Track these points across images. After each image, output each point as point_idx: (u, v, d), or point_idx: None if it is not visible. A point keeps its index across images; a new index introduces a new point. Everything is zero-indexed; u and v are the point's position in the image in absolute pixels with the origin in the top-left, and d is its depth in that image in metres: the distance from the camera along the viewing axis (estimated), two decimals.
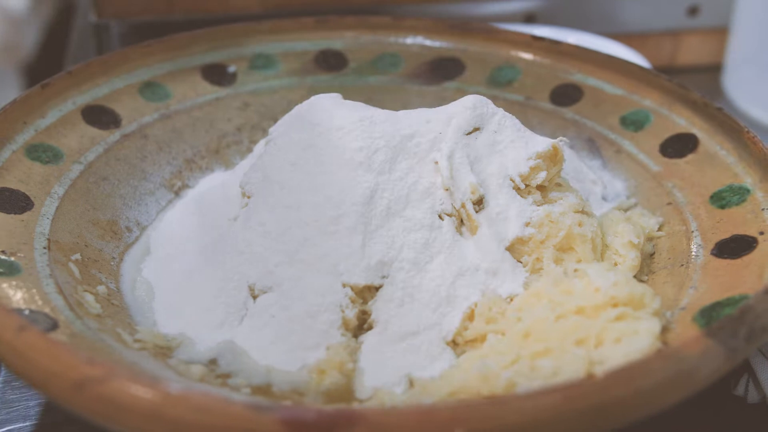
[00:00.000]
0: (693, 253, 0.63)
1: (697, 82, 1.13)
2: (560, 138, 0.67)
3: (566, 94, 0.81)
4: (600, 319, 0.54)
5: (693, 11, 1.13)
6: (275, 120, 0.80)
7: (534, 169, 0.64)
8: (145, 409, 0.44)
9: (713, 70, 1.15)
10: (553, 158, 0.66)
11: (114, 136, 0.74)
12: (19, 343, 0.47)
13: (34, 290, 0.57)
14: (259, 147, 0.74)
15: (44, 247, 0.62)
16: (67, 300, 0.58)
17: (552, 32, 1.02)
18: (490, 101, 0.68)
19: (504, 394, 0.50)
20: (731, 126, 0.70)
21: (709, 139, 0.71)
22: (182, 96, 0.80)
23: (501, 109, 0.68)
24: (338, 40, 0.87)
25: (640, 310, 0.55)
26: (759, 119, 1.04)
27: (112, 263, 0.67)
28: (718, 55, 1.15)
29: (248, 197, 0.68)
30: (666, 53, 1.15)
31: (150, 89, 0.79)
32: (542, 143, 0.65)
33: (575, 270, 0.59)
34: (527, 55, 0.84)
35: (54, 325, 0.54)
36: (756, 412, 0.62)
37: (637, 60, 0.98)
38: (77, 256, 0.64)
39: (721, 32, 1.14)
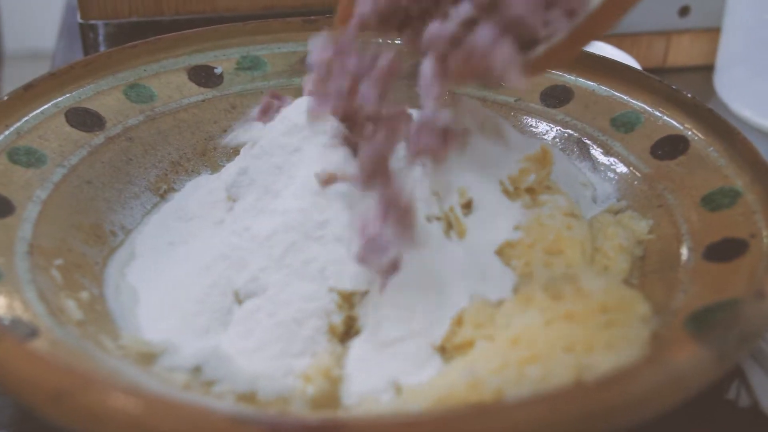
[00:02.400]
0: (683, 257, 0.62)
1: (688, 83, 1.13)
2: (552, 139, 0.66)
3: (556, 96, 0.80)
4: (589, 325, 0.53)
5: (684, 11, 1.13)
6: None
7: (523, 172, 0.64)
8: (125, 420, 0.43)
9: (705, 70, 1.14)
10: (542, 160, 0.65)
11: (98, 138, 0.73)
12: None
13: (15, 296, 0.56)
14: (246, 150, 0.73)
15: (26, 252, 0.61)
16: (48, 306, 0.56)
17: None
18: (478, 103, 0.68)
19: (491, 402, 0.50)
20: (722, 128, 0.70)
21: (700, 141, 0.71)
22: (168, 97, 0.79)
23: (490, 110, 0.67)
24: None
25: (630, 315, 0.54)
26: (750, 120, 1.04)
27: (96, 268, 0.66)
28: (710, 56, 1.14)
29: (234, 201, 0.67)
30: (658, 54, 1.15)
31: (135, 91, 0.78)
32: (531, 145, 0.65)
33: (564, 274, 0.58)
34: None
35: (34, 333, 0.53)
36: (747, 417, 0.61)
37: (626, 61, 0.97)
38: (60, 261, 0.63)
39: (712, 33, 1.13)
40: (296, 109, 0.69)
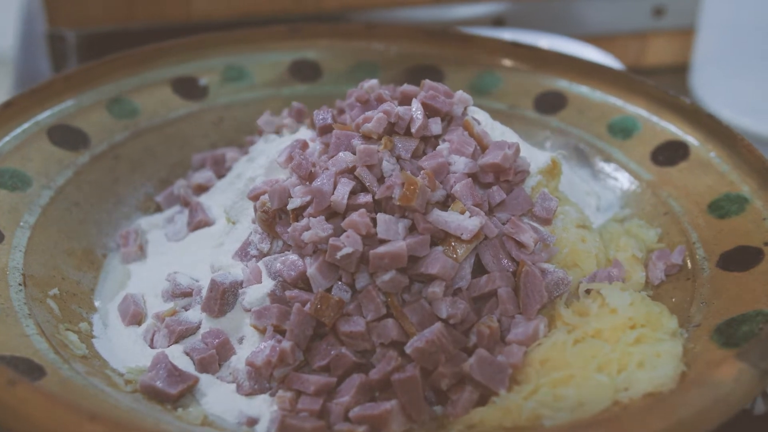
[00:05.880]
0: (698, 266, 0.61)
1: (664, 83, 1.13)
2: (559, 151, 0.65)
3: (550, 102, 0.79)
4: (620, 342, 0.52)
5: (658, 12, 1.13)
6: (251, 134, 0.77)
7: (535, 189, 0.62)
8: None
9: (679, 70, 1.15)
10: (551, 172, 0.64)
11: (83, 157, 0.70)
12: (10, 398, 0.43)
13: (15, 333, 0.53)
14: (240, 165, 0.70)
15: (20, 284, 0.57)
16: (50, 342, 0.53)
17: (524, 36, 1.00)
18: (487, 113, 0.66)
19: (530, 427, 0.48)
20: (723, 133, 0.69)
21: (701, 147, 0.70)
22: (152, 112, 0.76)
23: (497, 122, 0.66)
24: (312, 50, 0.84)
25: (659, 330, 0.53)
26: (728, 119, 1.04)
27: (92, 296, 0.63)
28: (684, 56, 1.15)
29: (233, 223, 0.64)
30: (632, 54, 1.15)
31: (118, 105, 0.74)
32: (541, 158, 0.63)
33: (587, 290, 0.57)
34: (507, 62, 0.82)
35: (41, 373, 0.50)
36: (762, 423, 0.61)
37: (610, 63, 0.97)
38: (55, 291, 0.59)
39: (686, 33, 1.14)
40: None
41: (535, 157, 0.63)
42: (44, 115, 0.70)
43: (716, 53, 1.07)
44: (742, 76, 1.05)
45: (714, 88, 1.08)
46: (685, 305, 0.59)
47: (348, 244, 0.54)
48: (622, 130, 0.75)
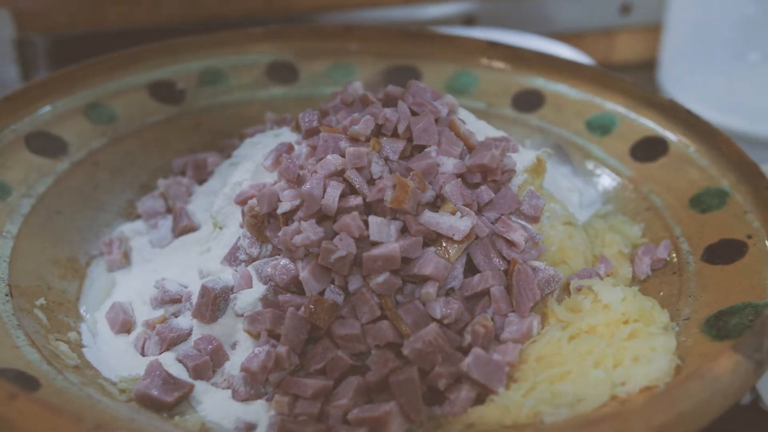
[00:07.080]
0: (683, 260, 0.63)
1: (632, 78, 1.15)
2: (543, 149, 0.65)
3: (528, 100, 0.80)
4: (614, 338, 0.53)
5: (625, 9, 1.15)
6: (230, 137, 0.76)
7: (521, 187, 0.62)
8: None
9: (647, 66, 1.17)
10: (536, 170, 0.64)
11: (63, 164, 0.69)
12: (11, 412, 0.42)
13: (5, 345, 0.52)
14: (223, 169, 0.70)
15: (6, 295, 0.56)
16: (41, 353, 0.53)
17: (495, 34, 1.01)
18: (471, 113, 0.67)
19: (536, 424, 0.49)
20: (701, 128, 0.70)
21: (680, 142, 0.71)
22: (130, 117, 0.75)
23: (483, 122, 0.66)
24: (288, 51, 0.83)
25: (652, 325, 0.54)
26: (698, 114, 1.06)
27: (78, 305, 0.62)
28: (651, 52, 1.16)
29: (220, 228, 0.64)
30: (601, 51, 1.17)
31: (96, 111, 0.73)
32: (526, 156, 0.64)
33: (579, 288, 0.57)
34: (484, 61, 0.83)
35: (36, 384, 0.49)
36: (748, 413, 0.62)
37: (583, 60, 0.98)
38: (42, 300, 0.58)
39: (653, 29, 1.16)
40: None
41: (521, 156, 0.63)
42: (21, 123, 0.69)
43: (684, 49, 1.09)
44: (710, 72, 1.06)
45: (682, 83, 1.09)
46: (673, 299, 0.60)
47: (342, 247, 0.54)
48: (600, 126, 0.76)
